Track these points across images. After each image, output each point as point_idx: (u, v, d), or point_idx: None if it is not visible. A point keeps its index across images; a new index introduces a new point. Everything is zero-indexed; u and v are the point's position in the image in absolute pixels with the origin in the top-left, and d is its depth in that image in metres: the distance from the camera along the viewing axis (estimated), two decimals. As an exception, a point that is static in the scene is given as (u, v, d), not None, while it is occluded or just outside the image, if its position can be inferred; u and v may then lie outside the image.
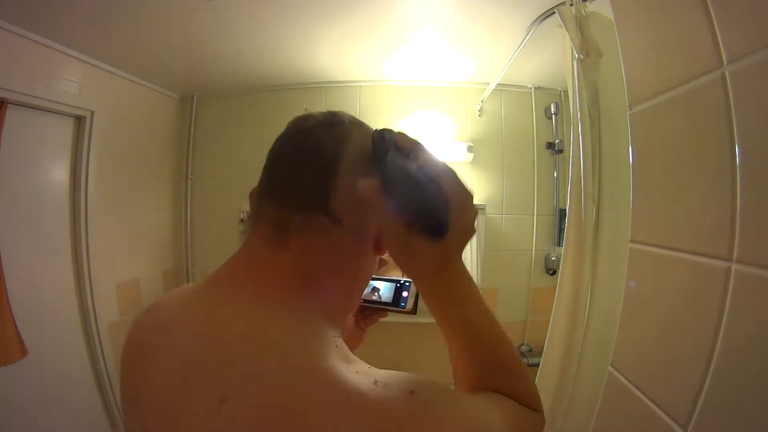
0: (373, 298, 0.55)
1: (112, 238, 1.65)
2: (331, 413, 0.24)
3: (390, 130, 0.35)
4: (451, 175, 0.35)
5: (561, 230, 1.76)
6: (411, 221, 0.32)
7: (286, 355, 0.27)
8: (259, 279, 0.33)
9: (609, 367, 0.49)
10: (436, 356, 1.84)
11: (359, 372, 0.28)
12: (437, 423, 0.26)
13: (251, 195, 0.40)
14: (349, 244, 0.36)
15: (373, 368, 0.30)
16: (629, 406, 0.45)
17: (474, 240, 1.68)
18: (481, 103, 1.81)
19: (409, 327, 1.79)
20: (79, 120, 1.54)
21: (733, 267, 0.34)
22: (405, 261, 0.35)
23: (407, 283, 0.55)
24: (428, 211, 0.32)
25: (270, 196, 0.36)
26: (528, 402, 0.38)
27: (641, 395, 0.43)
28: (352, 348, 0.33)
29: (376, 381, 0.27)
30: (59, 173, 1.50)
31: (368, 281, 0.41)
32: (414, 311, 0.54)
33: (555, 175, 1.81)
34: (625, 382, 0.46)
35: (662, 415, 0.40)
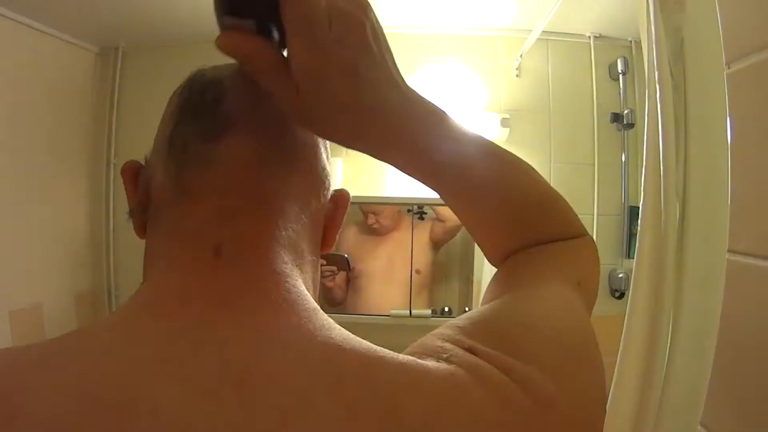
0: None
1: (3, 250, 1.65)
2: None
3: None
4: None
5: (632, 236, 1.76)
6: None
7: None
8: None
9: (698, 427, 0.49)
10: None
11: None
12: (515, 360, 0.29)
13: None
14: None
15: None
16: (727, 482, 0.44)
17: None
18: (519, 59, 1.81)
19: (409, 328, 1.82)
20: (-43, 82, 1.54)
21: None
22: (314, 125, 0.34)
23: None
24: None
25: None
26: (573, 232, 0.45)
27: (744, 467, 0.43)
28: None
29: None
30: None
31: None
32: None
33: (623, 158, 1.81)
34: (722, 448, 0.46)
35: (773, 494, 0.40)
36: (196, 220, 0.34)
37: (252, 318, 0.30)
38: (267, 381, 0.26)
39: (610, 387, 0.91)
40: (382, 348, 0.29)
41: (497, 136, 1.77)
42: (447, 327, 0.33)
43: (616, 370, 0.91)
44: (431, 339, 0.32)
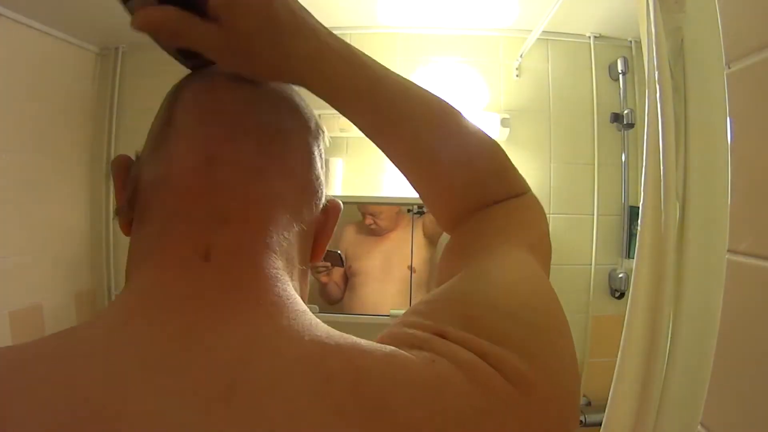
0: None
1: (3, 250, 1.65)
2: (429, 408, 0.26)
3: None
4: None
5: (632, 236, 1.76)
6: None
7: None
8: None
9: (698, 427, 0.49)
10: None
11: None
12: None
13: None
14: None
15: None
16: (727, 482, 0.44)
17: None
18: (519, 59, 1.81)
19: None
20: (-43, 82, 1.53)
21: None
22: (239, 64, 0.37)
23: None
24: None
25: None
26: (518, 190, 0.45)
27: (744, 467, 0.43)
28: None
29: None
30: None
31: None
32: None
33: (623, 158, 1.81)
34: (722, 448, 0.46)
35: (774, 494, 0.40)
36: (186, 222, 0.33)
37: (241, 324, 0.29)
38: (254, 392, 0.26)
39: (610, 387, 0.91)
40: (365, 341, 0.29)
41: (497, 136, 1.76)
42: (410, 314, 0.33)
43: (616, 370, 0.90)
44: (398, 328, 0.32)
